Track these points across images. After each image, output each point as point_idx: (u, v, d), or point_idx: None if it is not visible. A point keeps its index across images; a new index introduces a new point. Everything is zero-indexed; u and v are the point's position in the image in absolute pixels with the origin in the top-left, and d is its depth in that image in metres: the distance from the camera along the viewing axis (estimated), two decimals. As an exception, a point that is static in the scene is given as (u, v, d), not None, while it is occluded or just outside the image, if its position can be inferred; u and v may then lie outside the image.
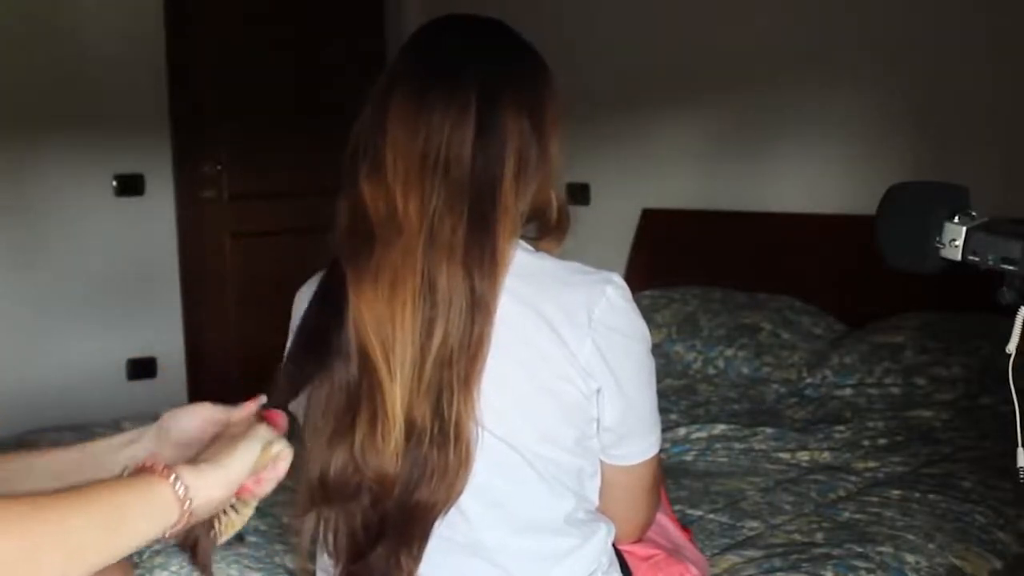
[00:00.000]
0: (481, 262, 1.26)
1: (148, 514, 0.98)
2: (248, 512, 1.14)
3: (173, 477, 0.99)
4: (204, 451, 1.10)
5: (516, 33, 1.38)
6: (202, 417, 1.21)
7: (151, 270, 4.44)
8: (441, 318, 1.25)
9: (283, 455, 1.13)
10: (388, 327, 1.25)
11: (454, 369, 1.26)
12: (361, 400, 1.27)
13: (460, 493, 1.28)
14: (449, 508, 1.29)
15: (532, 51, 1.38)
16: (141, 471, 1.00)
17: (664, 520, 1.59)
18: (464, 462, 1.27)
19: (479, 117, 1.28)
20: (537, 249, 1.35)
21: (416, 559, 1.29)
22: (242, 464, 1.08)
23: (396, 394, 1.25)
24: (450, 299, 1.25)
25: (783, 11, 3.75)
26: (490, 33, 1.37)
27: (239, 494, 1.11)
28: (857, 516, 2.19)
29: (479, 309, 1.26)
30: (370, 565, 1.30)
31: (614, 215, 4.21)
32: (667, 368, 3.38)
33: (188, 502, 1.00)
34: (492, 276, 1.27)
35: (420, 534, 1.29)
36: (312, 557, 1.42)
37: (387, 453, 1.26)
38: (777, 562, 1.94)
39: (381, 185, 1.28)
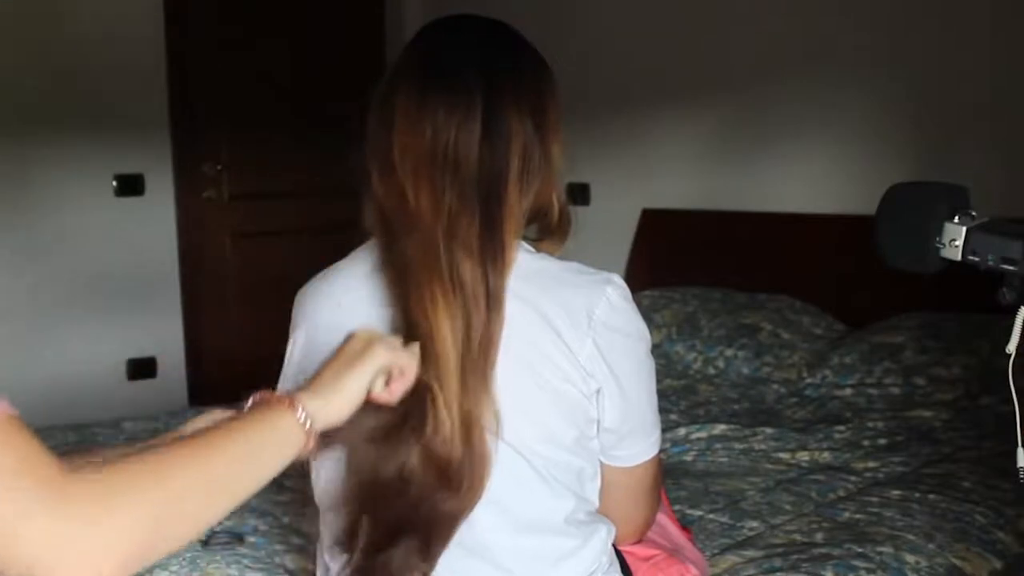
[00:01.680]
0: (494, 258, 1.27)
1: (278, 445, 1.02)
2: None
3: (299, 408, 1.04)
4: (323, 369, 1.12)
5: (518, 33, 1.38)
6: None
7: (151, 270, 4.44)
8: (471, 314, 1.25)
9: (407, 367, 1.16)
10: (424, 324, 1.25)
11: (476, 367, 1.26)
12: (414, 401, 1.25)
13: (483, 493, 1.28)
14: (473, 508, 1.28)
15: (534, 52, 1.38)
16: (262, 403, 1.04)
17: (664, 520, 1.59)
18: (487, 461, 1.27)
19: (484, 117, 1.28)
20: (538, 250, 1.36)
21: (433, 561, 1.29)
22: (359, 385, 1.11)
23: (451, 390, 1.24)
24: (474, 295, 1.25)
25: (783, 11, 3.75)
26: (493, 33, 1.37)
27: (372, 400, 1.15)
28: (857, 516, 2.19)
29: (495, 305, 1.26)
30: (382, 563, 1.29)
31: (614, 215, 4.21)
32: (667, 368, 3.39)
33: (310, 426, 1.05)
34: (503, 273, 1.27)
35: (445, 536, 1.28)
36: (312, 557, 1.42)
37: (451, 449, 1.25)
38: (777, 562, 1.94)
39: (392, 181, 1.29)
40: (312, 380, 1.11)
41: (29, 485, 0.82)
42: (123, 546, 0.84)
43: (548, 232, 1.37)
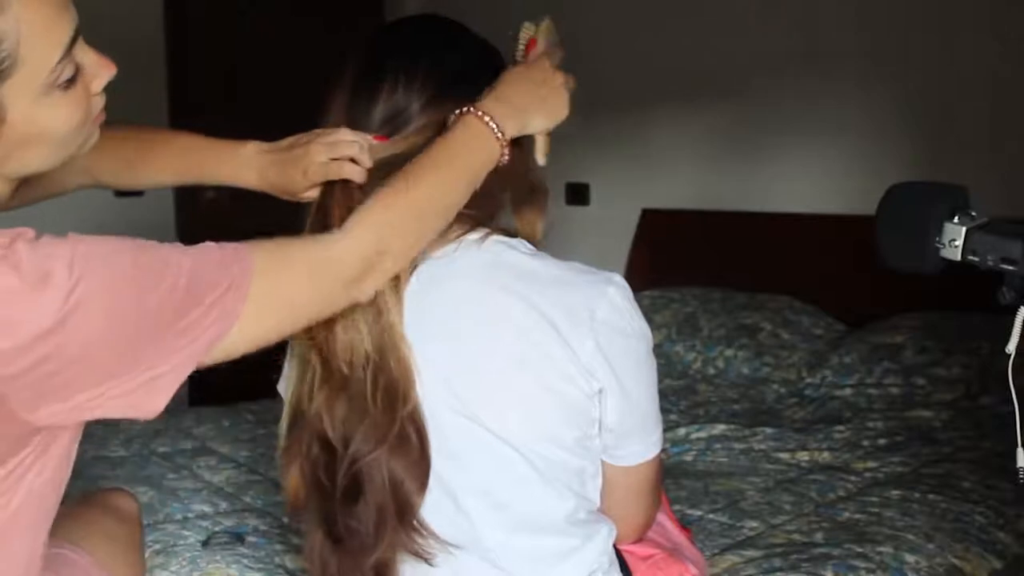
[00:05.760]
0: None
1: (481, 160, 1.26)
2: None
3: (489, 121, 1.26)
4: (513, 83, 1.31)
5: (468, 30, 1.41)
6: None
7: (151, 270, 4.44)
8: None
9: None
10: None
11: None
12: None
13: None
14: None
15: (486, 48, 1.40)
16: (458, 123, 1.26)
17: (664, 520, 1.59)
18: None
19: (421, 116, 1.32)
20: (521, 226, 1.37)
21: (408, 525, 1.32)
22: (539, 125, 1.33)
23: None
24: None
25: (783, 11, 3.75)
26: (441, 32, 1.39)
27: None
28: (857, 516, 2.19)
29: None
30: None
31: (614, 215, 4.21)
32: (667, 368, 3.39)
33: (503, 135, 1.27)
34: None
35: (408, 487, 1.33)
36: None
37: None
38: (777, 562, 1.95)
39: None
40: (499, 89, 1.29)
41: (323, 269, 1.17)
42: (387, 258, 1.20)
43: (523, 204, 1.38)
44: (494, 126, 1.26)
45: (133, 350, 1.05)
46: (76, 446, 1.20)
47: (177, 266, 1.08)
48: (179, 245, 1.11)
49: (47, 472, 1.13)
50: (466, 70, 1.35)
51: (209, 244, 1.13)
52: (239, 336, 1.12)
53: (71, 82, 1.10)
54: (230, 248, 1.14)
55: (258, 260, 1.13)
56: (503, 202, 1.37)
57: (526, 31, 1.38)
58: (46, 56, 1.06)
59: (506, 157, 1.28)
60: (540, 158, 1.36)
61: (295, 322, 1.19)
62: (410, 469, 1.29)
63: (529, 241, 1.36)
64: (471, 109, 1.27)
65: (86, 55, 1.12)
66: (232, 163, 1.49)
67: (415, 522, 1.30)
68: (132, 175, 1.55)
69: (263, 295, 1.12)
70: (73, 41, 1.09)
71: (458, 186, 1.25)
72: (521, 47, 1.38)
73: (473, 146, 1.26)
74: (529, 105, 1.30)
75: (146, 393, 1.09)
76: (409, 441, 1.28)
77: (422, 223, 1.23)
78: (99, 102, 1.17)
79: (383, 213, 1.20)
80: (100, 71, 1.15)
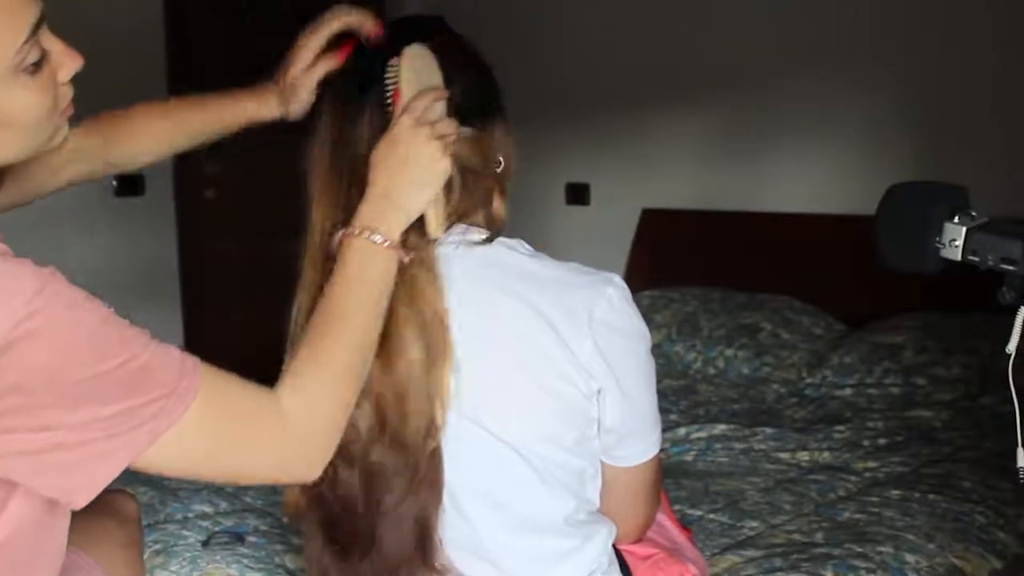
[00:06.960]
0: None
1: (382, 278, 1.22)
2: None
3: (373, 238, 1.21)
4: (382, 179, 1.23)
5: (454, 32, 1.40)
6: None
7: (151, 270, 4.44)
8: None
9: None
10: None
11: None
12: None
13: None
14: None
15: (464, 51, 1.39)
16: (343, 253, 1.22)
17: (664, 520, 1.59)
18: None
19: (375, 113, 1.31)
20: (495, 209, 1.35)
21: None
22: (422, 202, 1.25)
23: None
24: None
25: (782, 10, 3.75)
26: (405, 28, 1.39)
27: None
28: (857, 516, 2.19)
29: None
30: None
31: (614, 215, 4.21)
32: (667, 368, 3.39)
33: (391, 243, 1.22)
34: None
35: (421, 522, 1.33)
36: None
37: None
38: (777, 562, 1.95)
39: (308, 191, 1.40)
40: (372, 185, 1.23)
41: (260, 433, 1.12)
42: (332, 429, 1.16)
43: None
44: (378, 239, 1.21)
45: (74, 408, 1.00)
46: (63, 523, 1.15)
47: (137, 352, 1.04)
48: (145, 335, 1.07)
49: (24, 526, 1.08)
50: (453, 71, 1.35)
51: (172, 348, 1.09)
52: (178, 444, 1.06)
53: (37, 67, 1.09)
54: (190, 361, 1.09)
55: (206, 384, 1.09)
56: (485, 199, 1.36)
57: (391, 73, 1.27)
58: (10, 37, 1.05)
59: (407, 258, 1.23)
60: (432, 231, 1.27)
61: (236, 462, 1.13)
62: (430, 506, 1.30)
63: (496, 221, 1.36)
64: (350, 231, 1.22)
65: (53, 43, 1.12)
66: (254, 102, 1.61)
67: (437, 563, 1.31)
68: (132, 144, 1.61)
69: (203, 414, 1.07)
70: (38, 25, 1.07)
71: (370, 317, 1.20)
72: (388, 96, 1.27)
73: (369, 270, 1.21)
74: (404, 190, 1.22)
75: (82, 470, 1.02)
76: (425, 479, 1.29)
77: (353, 370, 1.18)
78: (67, 93, 1.16)
79: (314, 378, 1.16)
80: (66, 60, 1.14)
